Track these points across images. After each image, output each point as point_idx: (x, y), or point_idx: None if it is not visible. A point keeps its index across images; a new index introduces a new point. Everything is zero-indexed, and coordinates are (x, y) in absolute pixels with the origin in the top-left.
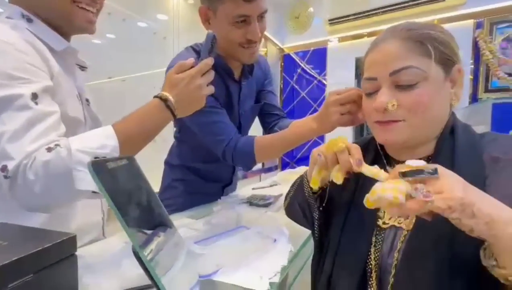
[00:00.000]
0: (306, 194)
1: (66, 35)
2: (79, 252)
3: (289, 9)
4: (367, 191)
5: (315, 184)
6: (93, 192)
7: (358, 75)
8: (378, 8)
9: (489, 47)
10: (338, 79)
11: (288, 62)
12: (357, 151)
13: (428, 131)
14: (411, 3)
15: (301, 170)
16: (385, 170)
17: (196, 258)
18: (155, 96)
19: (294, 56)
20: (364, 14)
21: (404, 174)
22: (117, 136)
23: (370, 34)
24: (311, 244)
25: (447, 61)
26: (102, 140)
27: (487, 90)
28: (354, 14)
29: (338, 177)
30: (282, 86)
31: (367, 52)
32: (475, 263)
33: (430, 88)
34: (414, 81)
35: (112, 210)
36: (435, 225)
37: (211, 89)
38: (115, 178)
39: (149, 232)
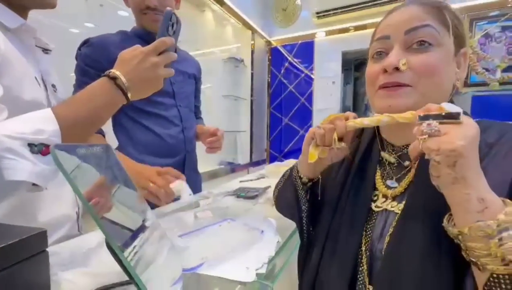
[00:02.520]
0: (295, 184)
1: (22, 11)
2: (53, 248)
3: (277, 1)
4: (357, 181)
5: (312, 158)
6: (34, 184)
7: (345, 69)
8: (365, 2)
9: (469, 42)
10: (325, 72)
11: (275, 55)
12: (351, 114)
13: (433, 101)
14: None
15: (289, 163)
16: (380, 155)
17: (180, 251)
18: (103, 75)
19: (281, 49)
20: (351, 8)
21: (423, 118)
22: (58, 120)
23: (356, 28)
24: (298, 234)
25: (460, 38)
26: (38, 124)
27: (466, 85)
28: (341, 8)
29: (313, 155)
30: (269, 80)
31: (382, 20)
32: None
33: (442, 55)
34: (429, 41)
35: (79, 198)
36: (424, 209)
37: (170, 72)
38: (86, 166)
39: (128, 227)
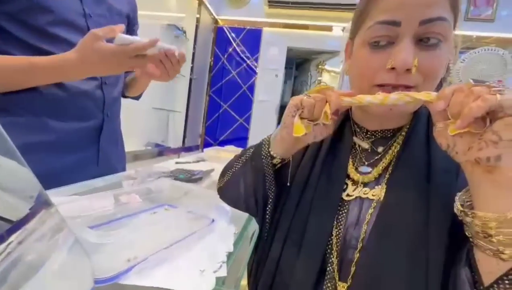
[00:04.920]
0: (264, 164)
1: None
2: None
3: None
4: (328, 168)
5: (299, 132)
6: None
7: (287, 67)
8: (319, 4)
9: None
10: (270, 64)
11: (221, 37)
12: (345, 91)
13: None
14: (349, 7)
15: (231, 148)
16: (352, 140)
17: (92, 251)
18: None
19: (227, 32)
20: (305, 4)
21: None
22: None
23: (301, 27)
24: (255, 222)
25: (456, 21)
26: None
27: None
28: (293, 3)
29: (327, 116)
30: (212, 62)
31: None
32: (451, 237)
33: (447, 52)
34: (441, 37)
35: None
36: (408, 197)
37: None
38: None
39: (3, 216)
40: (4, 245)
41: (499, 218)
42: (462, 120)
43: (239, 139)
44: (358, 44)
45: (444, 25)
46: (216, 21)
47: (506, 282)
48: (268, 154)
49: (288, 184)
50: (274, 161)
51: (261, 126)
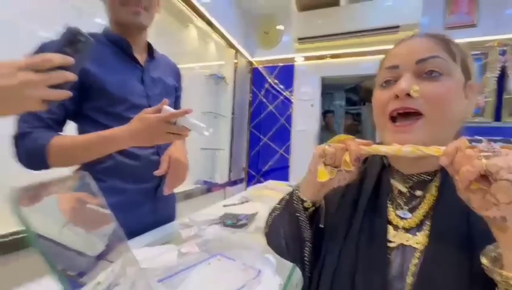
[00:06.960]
0: (297, 208)
1: None
2: None
3: (259, 24)
4: (370, 215)
5: (323, 177)
6: None
7: (324, 93)
8: (343, 33)
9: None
10: (304, 96)
11: (257, 76)
12: (363, 140)
13: (444, 133)
14: (371, 32)
15: (271, 184)
16: (389, 183)
17: None
18: None
19: (262, 70)
20: (331, 37)
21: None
22: None
23: (332, 56)
24: (298, 272)
25: (466, 71)
26: None
27: None
28: (321, 36)
29: (348, 164)
30: (251, 99)
31: (390, 50)
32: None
33: (453, 84)
34: (440, 71)
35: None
36: (452, 248)
37: (54, 94)
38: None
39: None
40: (94, 282)
41: None
42: (460, 181)
43: (280, 168)
44: (375, 88)
45: (438, 61)
46: (251, 63)
47: None
48: (299, 199)
49: (322, 225)
50: (305, 204)
51: (301, 155)
